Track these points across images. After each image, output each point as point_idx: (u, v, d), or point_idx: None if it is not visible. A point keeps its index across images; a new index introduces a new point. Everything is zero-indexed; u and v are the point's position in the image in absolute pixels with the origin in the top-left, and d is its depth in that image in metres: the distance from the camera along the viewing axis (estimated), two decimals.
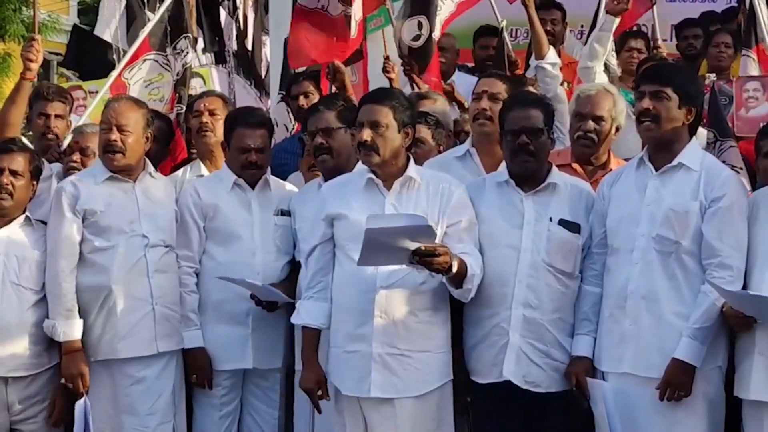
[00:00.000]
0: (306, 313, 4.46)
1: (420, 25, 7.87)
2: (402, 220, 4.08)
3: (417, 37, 7.80)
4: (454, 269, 4.14)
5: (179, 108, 6.38)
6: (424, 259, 4.03)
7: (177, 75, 6.55)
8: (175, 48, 6.57)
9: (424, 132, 5.22)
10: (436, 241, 4.15)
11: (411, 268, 4.17)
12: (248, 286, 4.89)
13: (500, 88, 4.96)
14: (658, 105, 4.31)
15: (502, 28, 7.20)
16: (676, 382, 4.19)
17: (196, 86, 6.97)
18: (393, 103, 4.37)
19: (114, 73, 6.40)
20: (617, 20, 6.04)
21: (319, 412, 4.46)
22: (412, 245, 4.02)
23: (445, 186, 4.44)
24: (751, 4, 6.43)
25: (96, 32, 8.40)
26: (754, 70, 6.38)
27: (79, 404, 4.73)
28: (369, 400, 4.31)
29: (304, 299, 4.50)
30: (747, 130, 5.76)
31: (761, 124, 5.60)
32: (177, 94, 6.50)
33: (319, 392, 4.41)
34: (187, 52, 6.65)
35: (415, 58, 7.38)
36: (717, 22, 7.87)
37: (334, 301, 4.43)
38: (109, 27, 8.17)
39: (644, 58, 6.45)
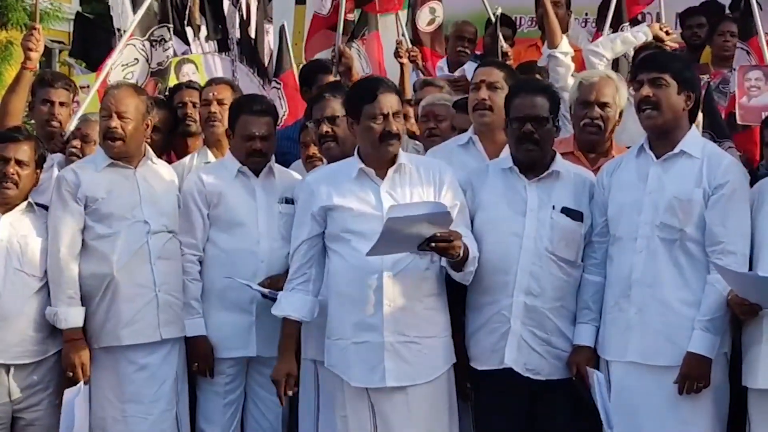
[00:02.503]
0: (288, 305, 4.45)
1: (433, 10, 7.95)
2: (424, 208, 4.09)
3: (431, 21, 7.87)
4: (462, 253, 4.16)
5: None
6: (439, 245, 4.06)
7: (158, 65, 6.57)
8: (152, 35, 6.58)
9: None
10: None
11: (415, 254, 4.19)
12: (255, 290, 4.88)
13: (498, 76, 4.93)
14: (658, 92, 4.31)
15: (497, 18, 7.19)
16: (694, 375, 4.20)
17: (188, 72, 6.97)
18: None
19: (107, 65, 6.40)
20: (650, 37, 6.11)
21: (282, 404, 4.55)
22: (428, 232, 4.04)
23: (435, 170, 4.46)
24: None
25: (116, 24, 8.41)
26: (746, 62, 6.37)
27: (70, 392, 4.73)
28: (381, 389, 4.31)
29: (285, 290, 4.49)
30: (749, 118, 5.77)
31: (763, 114, 5.60)
32: (156, 86, 6.53)
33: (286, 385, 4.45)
34: (169, 46, 6.66)
35: (429, 41, 7.48)
36: (722, 11, 7.84)
37: (335, 292, 4.41)
38: (119, 16, 8.15)
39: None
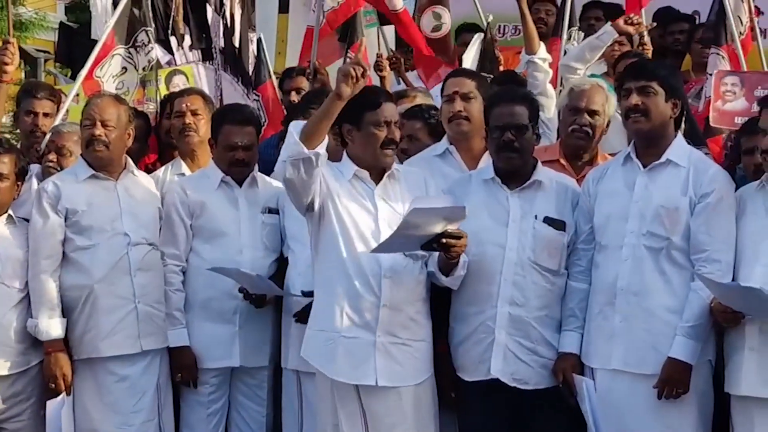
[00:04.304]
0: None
1: (438, 16, 7.96)
2: (444, 201, 4.17)
3: (436, 28, 7.87)
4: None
5: (146, 106, 6.41)
6: (449, 241, 4.09)
7: (143, 70, 6.57)
8: (135, 41, 6.59)
9: (418, 127, 5.19)
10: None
11: (410, 257, 4.25)
12: (239, 276, 4.84)
13: (470, 86, 4.94)
14: (647, 100, 4.33)
15: (488, 24, 7.20)
16: (674, 380, 4.20)
17: (179, 83, 6.96)
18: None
19: (83, 72, 6.38)
20: (616, 35, 6.10)
21: None
22: (440, 228, 4.08)
23: (420, 177, 4.52)
24: (721, 2, 6.43)
25: (93, 36, 8.37)
26: (723, 68, 6.38)
27: (54, 403, 4.72)
28: (372, 389, 4.30)
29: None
30: (722, 122, 5.78)
31: (736, 119, 5.61)
32: (144, 91, 6.52)
33: None
34: (151, 48, 6.67)
35: (435, 49, 7.51)
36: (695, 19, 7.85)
37: (327, 290, 4.37)
38: (101, 25, 8.12)
39: (621, 54, 6.45)
